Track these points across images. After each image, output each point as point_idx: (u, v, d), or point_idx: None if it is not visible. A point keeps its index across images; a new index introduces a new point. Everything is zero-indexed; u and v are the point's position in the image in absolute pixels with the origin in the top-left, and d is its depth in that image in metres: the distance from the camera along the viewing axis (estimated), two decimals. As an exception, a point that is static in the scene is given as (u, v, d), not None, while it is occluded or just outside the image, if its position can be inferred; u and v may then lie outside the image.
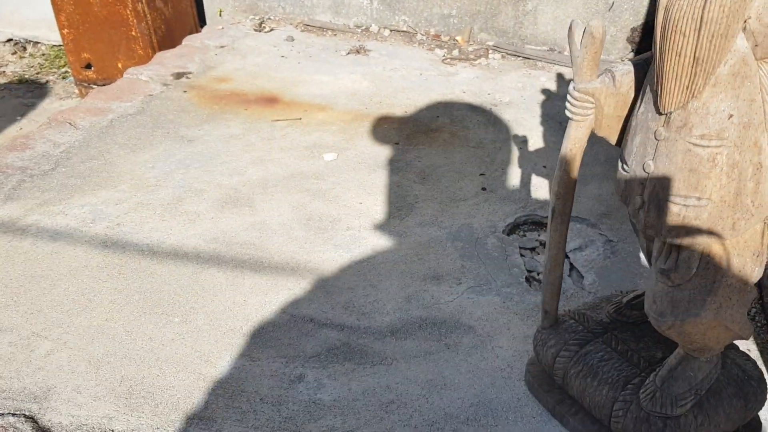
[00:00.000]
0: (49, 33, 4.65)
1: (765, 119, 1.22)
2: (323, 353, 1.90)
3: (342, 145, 3.00)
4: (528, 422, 1.70)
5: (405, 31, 4.26)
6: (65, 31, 3.87)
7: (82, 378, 1.80)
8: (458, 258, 2.29)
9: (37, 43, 4.89)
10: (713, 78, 1.17)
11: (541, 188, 2.67)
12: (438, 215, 2.52)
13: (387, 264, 2.26)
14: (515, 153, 2.94)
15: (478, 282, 2.18)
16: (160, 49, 3.96)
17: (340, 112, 3.30)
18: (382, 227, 2.44)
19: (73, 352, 1.89)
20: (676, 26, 1.13)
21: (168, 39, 4.05)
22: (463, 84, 3.62)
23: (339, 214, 2.51)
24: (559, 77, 3.73)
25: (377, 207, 2.56)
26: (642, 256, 2.28)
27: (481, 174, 2.78)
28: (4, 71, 4.62)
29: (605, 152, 2.88)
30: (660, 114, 1.25)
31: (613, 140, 1.46)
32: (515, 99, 3.45)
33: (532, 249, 2.37)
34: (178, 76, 3.64)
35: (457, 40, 4.14)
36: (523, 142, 3.03)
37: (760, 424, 1.67)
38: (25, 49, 4.85)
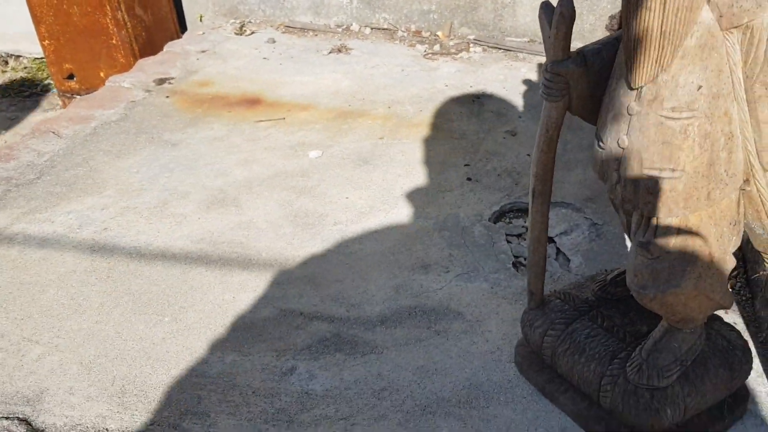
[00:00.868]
0: (31, 46, 4.61)
1: (733, 89, 1.24)
2: (314, 345, 1.92)
3: (326, 142, 3.01)
4: (519, 402, 1.72)
5: (386, 29, 4.28)
6: (46, 42, 3.86)
7: (74, 380, 1.81)
8: (446, 247, 2.31)
9: (19, 56, 4.88)
10: (681, 50, 1.19)
11: (525, 176, 2.70)
12: (424, 206, 2.54)
13: (375, 256, 2.27)
14: (499, 143, 2.97)
15: (466, 269, 2.20)
16: (142, 56, 3.96)
17: (323, 111, 3.31)
18: (369, 220, 2.46)
19: (64, 354, 1.89)
20: (642, 1, 1.15)
21: (149, 46, 4.05)
22: (445, 78, 3.64)
23: (326, 210, 2.52)
24: (540, 68, 3.76)
25: (363, 201, 2.57)
26: (627, 237, 2.30)
27: (466, 165, 2.80)
28: (-15, 85, 4.61)
29: (589, 138, 2.91)
30: (631, 89, 1.27)
31: (589, 120, 1.48)
32: (497, 90, 3.47)
33: (519, 235, 2.39)
34: (160, 81, 3.65)
35: (438, 36, 4.16)
36: (506, 132, 3.06)
37: (747, 393, 1.69)
38: (6, 63, 4.84)
